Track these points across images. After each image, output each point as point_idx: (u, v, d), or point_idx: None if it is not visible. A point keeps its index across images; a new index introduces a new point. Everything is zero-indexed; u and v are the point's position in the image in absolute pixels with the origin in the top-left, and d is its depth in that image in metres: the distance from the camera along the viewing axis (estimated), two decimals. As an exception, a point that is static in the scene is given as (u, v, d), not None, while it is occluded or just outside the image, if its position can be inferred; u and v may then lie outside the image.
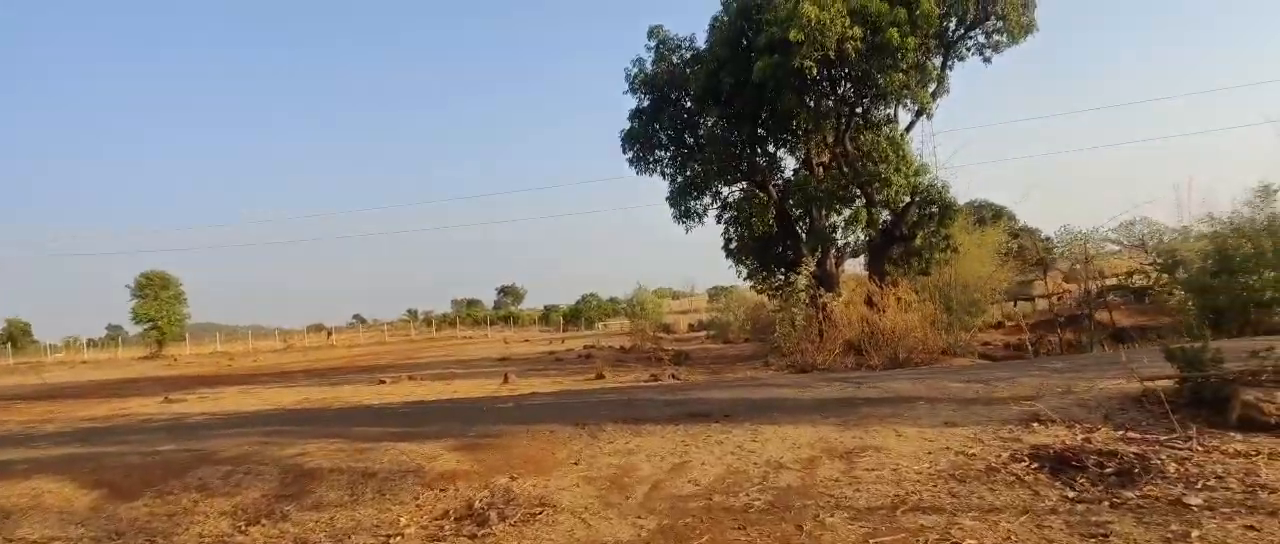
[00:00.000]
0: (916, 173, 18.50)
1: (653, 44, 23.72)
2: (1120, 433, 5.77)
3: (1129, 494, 4.43)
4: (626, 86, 24.02)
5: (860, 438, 6.23)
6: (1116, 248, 39.75)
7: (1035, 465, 5.23)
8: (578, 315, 79.91)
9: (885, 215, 19.40)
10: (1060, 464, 5.26)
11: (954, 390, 7.85)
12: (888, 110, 19.76)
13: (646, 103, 24.35)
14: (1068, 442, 5.62)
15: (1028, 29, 18.13)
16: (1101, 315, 25.20)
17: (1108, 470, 4.96)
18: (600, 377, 17.38)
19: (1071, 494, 4.53)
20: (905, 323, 15.18)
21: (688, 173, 24.21)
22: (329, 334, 68.81)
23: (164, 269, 56.26)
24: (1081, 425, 5.98)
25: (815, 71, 16.44)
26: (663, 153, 25.13)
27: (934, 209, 18.73)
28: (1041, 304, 42.32)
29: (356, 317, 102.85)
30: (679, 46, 23.88)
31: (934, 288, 18.71)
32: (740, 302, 46.17)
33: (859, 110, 19.21)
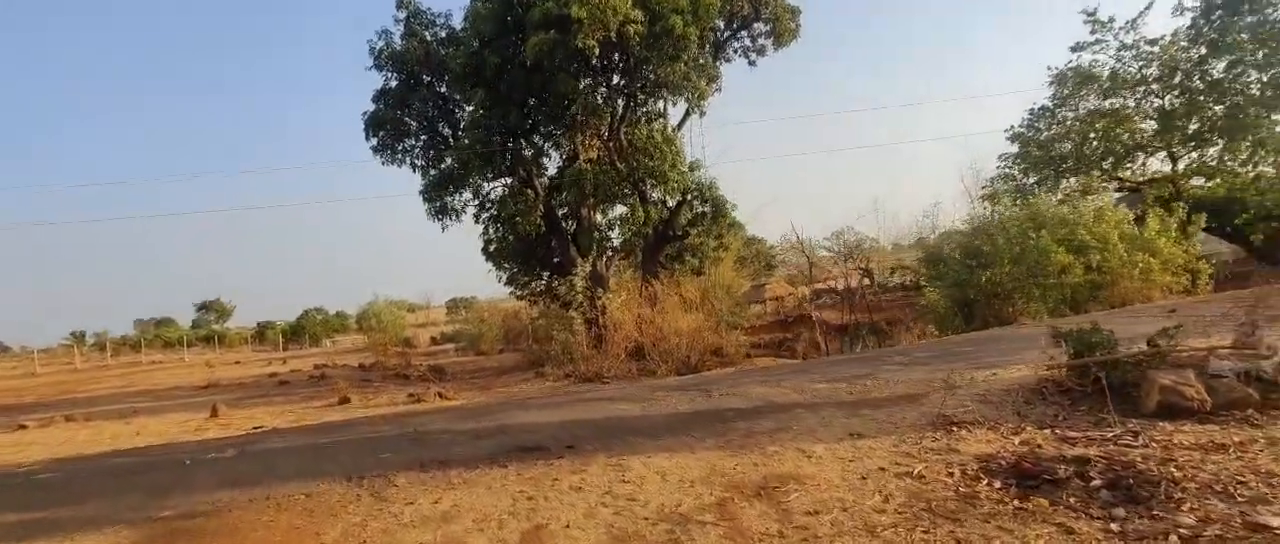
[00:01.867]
0: (691, 169, 18.12)
1: (402, 16, 20.82)
2: (1047, 430, 4.98)
3: (1163, 515, 3.45)
4: (371, 62, 20.83)
5: (762, 465, 4.75)
6: (829, 254, 44.24)
7: (1002, 484, 4.14)
8: (300, 332, 70.89)
9: (660, 213, 18.73)
10: (1025, 478, 4.24)
11: (822, 392, 6.78)
12: (660, 105, 19.23)
13: (394, 83, 21.33)
14: (1010, 448, 4.67)
15: (794, 34, 18.76)
16: (827, 315, 27.27)
17: (1094, 483, 4.02)
18: (346, 401, 14.22)
19: (1099, 524, 3.44)
20: (691, 324, 14.44)
21: (443, 165, 21.62)
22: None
23: None
24: (1005, 426, 5.10)
25: (597, 52, 15.16)
26: (413, 142, 22.23)
27: (707, 207, 18.51)
28: (770, 307, 46.20)
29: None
30: (433, 22, 21.25)
31: (703, 289, 18.43)
32: (493, 311, 43.80)
33: (637, 101, 18.35)
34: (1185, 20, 21.53)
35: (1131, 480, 3.90)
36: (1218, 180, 21.38)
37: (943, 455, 4.61)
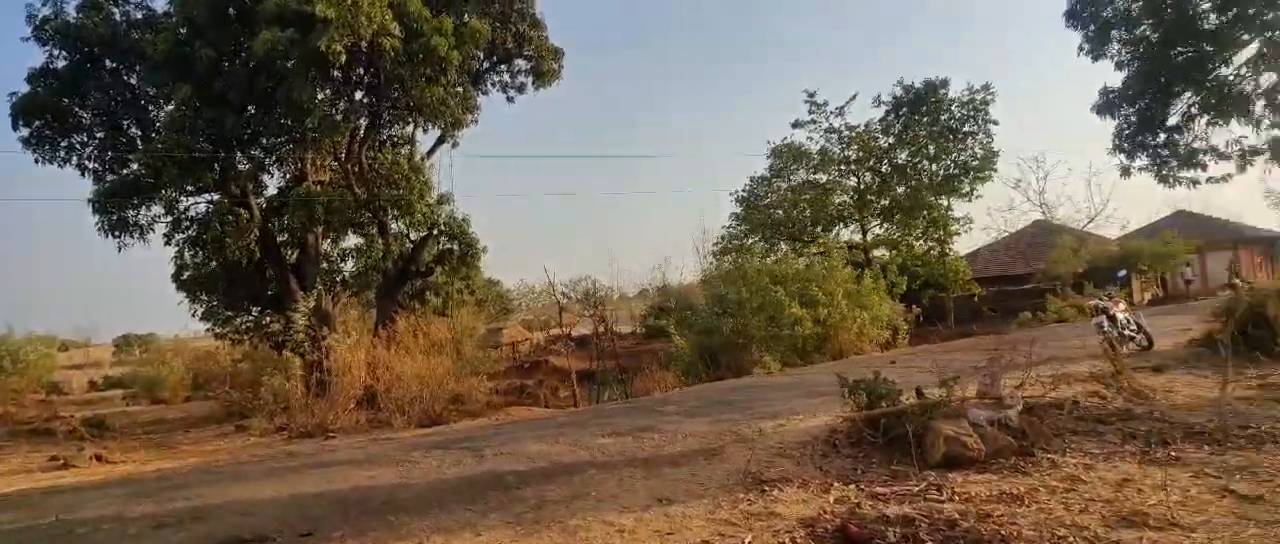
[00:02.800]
0: (440, 202, 16.72)
1: (82, -16, 16.86)
2: (854, 486, 4.79)
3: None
4: (29, 30, 16.49)
5: (567, 545, 3.90)
6: (567, 300, 44.82)
7: (838, 554, 3.78)
8: (-116, 374, 53.72)
9: (401, 247, 16.92)
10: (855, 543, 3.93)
11: (611, 449, 6.08)
12: (408, 129, 17.58)
13: (63, 63, 17.09)
14: (828, 509, 4.35)
15: (555, 76, 18.45)
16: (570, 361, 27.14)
17: (925, 544, 3.81)
18: (-53, 470, 10.42)
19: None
20: (434, 370, 12.98)
21: (126, 171, 17.68)
22: None
23: None
24: (813, 483, 4.82)
25: (342, 60, 13.31)
26: (85, 139, 17.93)
27: (456, 245, 17.15)
28: (504, 352, 45.19)
29: None
30: (124, -2, 17.56)
31: (452, 331, 17.00)
32: (179, 350, 36.95)
33: (381, 121, 16.53)
34: (880, 112, 25.46)
35: (962, 541, 3.74)
36: (897, 251, 25.21)
37: (765, 522, 4.16)
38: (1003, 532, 3.76)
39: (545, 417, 10.44)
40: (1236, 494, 4.11)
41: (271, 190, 19.49)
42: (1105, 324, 10.39)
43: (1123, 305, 11.38)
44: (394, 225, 16.65)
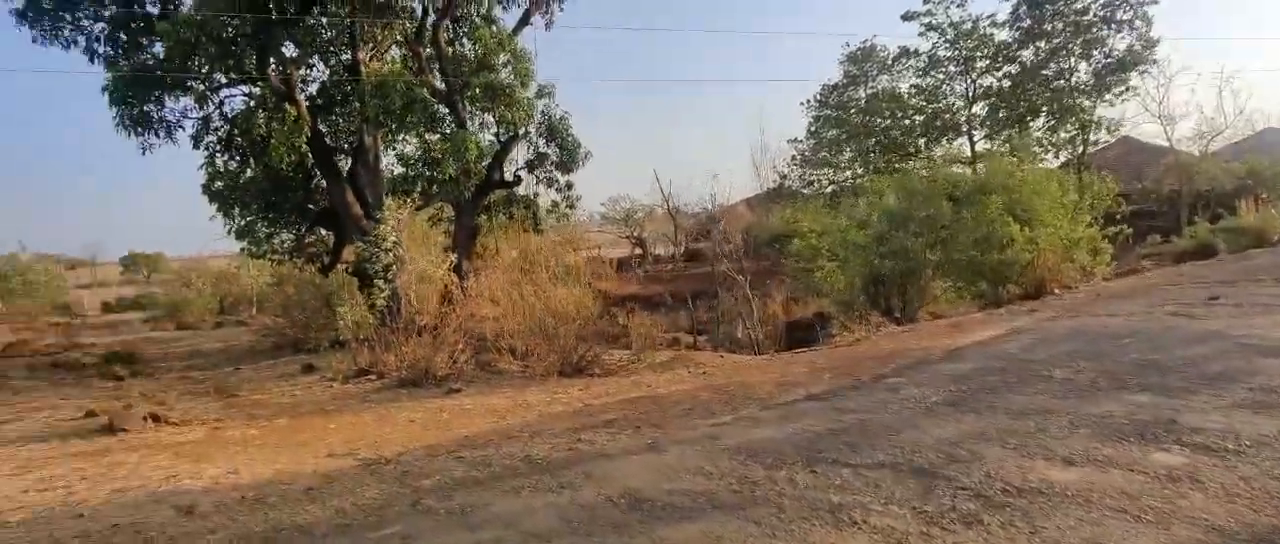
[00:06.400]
0: (539, 94, 13.65)
1: None
2: None
3: None
4: None
5: None
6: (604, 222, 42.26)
7: None
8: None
9: (485, 151, 13.86)
10: None
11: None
12: (485, 4, 14.21)
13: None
14: None
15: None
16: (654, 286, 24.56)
17: None
18: (-44, 430, 7.79)
19: None
20: (577, 302, 10.20)
21: (145, 54, 14.57)
22: None
23: None
24: None
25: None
26: (89, 15, 14.68)
27: (553, 148, 14.17)
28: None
29: None
30: None
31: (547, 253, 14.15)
32: (202, 272, 34.34)
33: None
34: (1004, 7, 21.86)
35: None
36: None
37: None
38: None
39: (788, 375, 7.52)
40: None
41: (316, 84, 16.40)
42: None
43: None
44: (497, 118, 13.51)
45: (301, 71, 15.70)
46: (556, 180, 14.82)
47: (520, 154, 15.09)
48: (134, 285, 65.23)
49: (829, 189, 29.59)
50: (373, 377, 10.50)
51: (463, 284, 11.47)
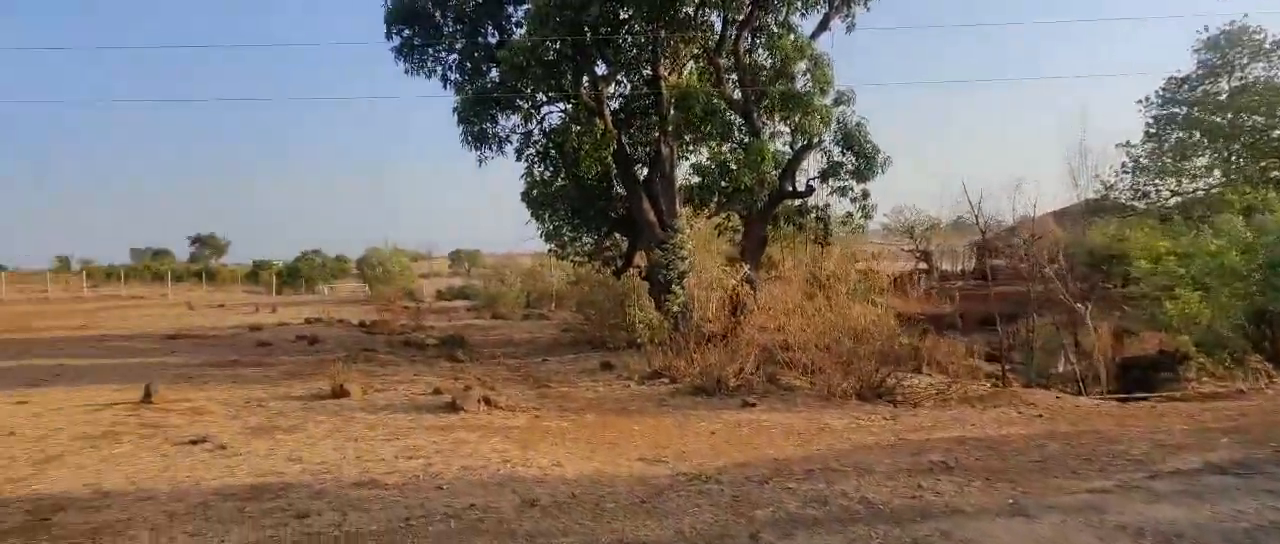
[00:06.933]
0: (837, 101, 13.21)
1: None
2: None
3: None
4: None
5: None
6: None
7: None
8: (297, 275, 65.99)
9: (777, 160, 13.72)
10: None
11: None
12: (783, 12, 14.04)
13: (427, -36, 16.28)
14: None
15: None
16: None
17: None
18: (343, 393, 9.49)
19: None
20: (879, 321, 9.59)
21: (483, 80, 16.69)
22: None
23: None
24: None
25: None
26: (445, 49, 17.20)
27: (851, 157, 13.58)
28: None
29: (-12, 261, 76.85)
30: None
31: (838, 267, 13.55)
32: (512, 268, 38.97)
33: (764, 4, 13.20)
34: None
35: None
36: None
37: None
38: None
39: (1160, 430, 6.15)
40: None
41: (617, 100, 17.55)
42: None
43: None
44: (789, 125, 13.37)
45: (610, 88, 16.90)
46: (850, 189, 14.17)
47: (811, 163, 14.67)
48: (459, 277, 76.59)
49: (1171, 202, 24.84)
50: (666, 380, 10.83)
51: (755, 294, 11.36)
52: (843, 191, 14.19)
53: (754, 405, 8.30)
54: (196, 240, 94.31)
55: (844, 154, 13.80)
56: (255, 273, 70.60)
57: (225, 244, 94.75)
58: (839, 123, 13.62)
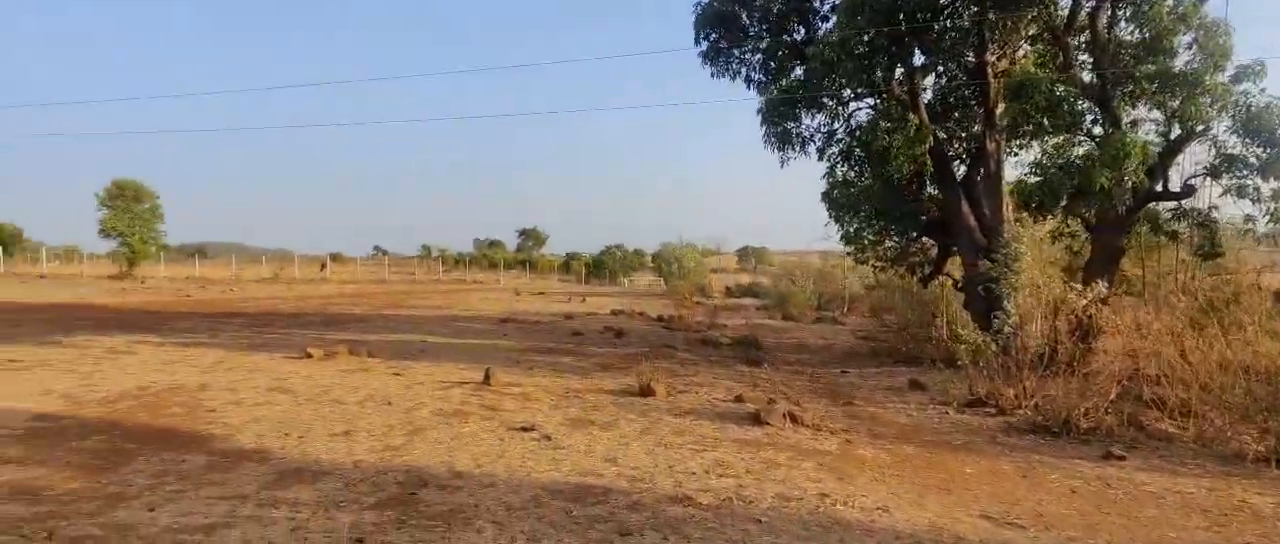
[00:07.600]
0: (1237, 78, 10.46)
1: None
2: None
3: None
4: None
5: None
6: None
7: None
8: (601, 267, 72.34)
9: (1147, 155, 11.20)
10: None
11: None
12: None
13: (736, -36, 16.30)
14: None
15: None
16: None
17: None
18: (649, 392, 9.81)
19: None
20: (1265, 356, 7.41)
21: (788, 78, 16.27)
22: (323, 266, 61.87)
23: (139, 179, 49.15)
24: None
25: None
26: (750, 49, 17.09)
27: (1247, 146, 10.66)
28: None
29: (377, 249, 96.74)
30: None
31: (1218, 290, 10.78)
32: (803, 268, 38.32)
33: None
34: None
35: None
36: None
37: None
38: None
39: None
40: None
41: (929, 92, 15.98)
42: None
43: None
44: (1169, 112, 11.00)
45: (927, 79, 15.49)
46: (1251, 189, 11.08)
47: (1187, 157, 11.84)
48: (746, 273, 77.79)
49: None
50: (991, 409, 9.49)
51: (1112, 318, 9.44)
52: (1241, 191, 11.17)
53: (1123, 459, 6.77)
54: (523, 233, 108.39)
55: (1245, 145, 10.84)
56: (567, 263, 78.88)
57: (545, 236, 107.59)
58: (1238, 105, 10.74)
